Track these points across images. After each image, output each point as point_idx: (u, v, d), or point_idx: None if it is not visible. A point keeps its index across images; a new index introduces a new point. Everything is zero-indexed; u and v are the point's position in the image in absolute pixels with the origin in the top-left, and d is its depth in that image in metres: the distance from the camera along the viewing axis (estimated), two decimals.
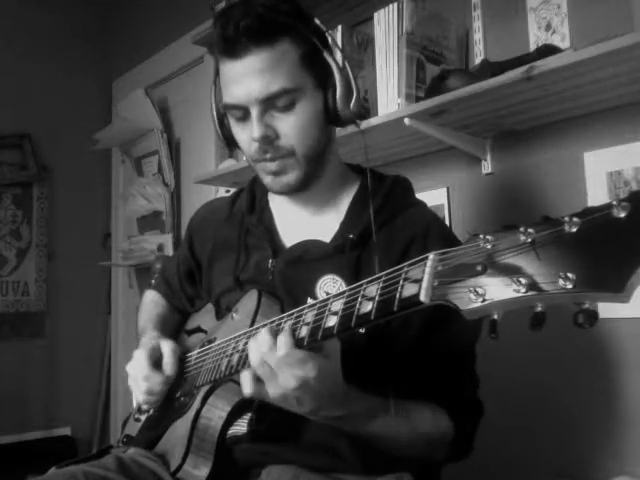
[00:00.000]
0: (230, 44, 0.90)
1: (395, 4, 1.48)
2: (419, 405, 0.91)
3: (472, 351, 1.00)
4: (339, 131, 1.12)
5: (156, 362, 1.04)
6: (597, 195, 1.34)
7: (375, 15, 1.52)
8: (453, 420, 0.93)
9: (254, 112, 0.92)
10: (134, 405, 1.19)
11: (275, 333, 0.79)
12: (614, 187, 1.32)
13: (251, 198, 1.12)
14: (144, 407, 1.09)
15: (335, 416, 0.82)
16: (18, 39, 2.89)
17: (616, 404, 1.32)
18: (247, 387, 0.80)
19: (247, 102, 0.92)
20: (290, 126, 0.93)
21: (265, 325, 0.86)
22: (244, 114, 0.94)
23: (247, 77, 0.90)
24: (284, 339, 0.77)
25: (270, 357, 0.77)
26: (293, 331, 0.78)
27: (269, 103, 0.91)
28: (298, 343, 0.77)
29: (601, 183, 1.34)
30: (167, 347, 1.05)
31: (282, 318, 0.83)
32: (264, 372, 0.78)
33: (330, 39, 0.99)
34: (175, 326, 1.23)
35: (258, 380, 0.79)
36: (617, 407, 1.32)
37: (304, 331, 0.77)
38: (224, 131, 1.04)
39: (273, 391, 0.78)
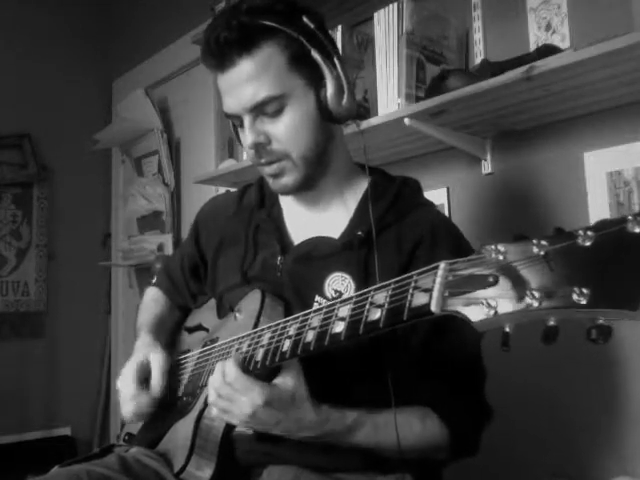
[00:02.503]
0: (215, 58, 0.92)
1: (395, 4, 1.48)
2: (405, 413, 0.90)
3: (476, 352, 0.99)
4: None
5: (145, 378, 1.04)
6: (597, 195, 1.34)
7: (375, 15, 1.52)
8: (450, 424, 0.93)
9: (245, 120, 0.94)
10: None
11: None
12: (614, 187, 1.32)
13: (261, 193, 1.12)
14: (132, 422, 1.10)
15: (309, 437, 0.85)
16: (18, 39, 2.89)
17: (616, 404, 1.32)
18: (214, 411, 0.87)
19: (238, 111, 0.94)
20: (281, 131, 0.94)
21: (270, 327, 0.86)
22: (240, 122, 0.96)
23: (235, 88, 0.92)
24: (230, 365, 0.83)
25: (222, 389, 0.83)
26: (244, 359, 0.85)
27: (258, 110, 0.93)
28: (305, 347, 0.77)
29: (601, 183, 1.34)
30: (156, 364, 1.04)
31: (287, 321, 0.83)
32: (222, 406, 0.84)
33: (320, 35, 0.95)
34: (174, 325, 1.23)
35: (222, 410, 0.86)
36: (617, 407, 1.32)
37: (310, 335, 0.77)
38: (238, 135, 1.05)
39: (237, 419, 0.84)
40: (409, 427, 0.90)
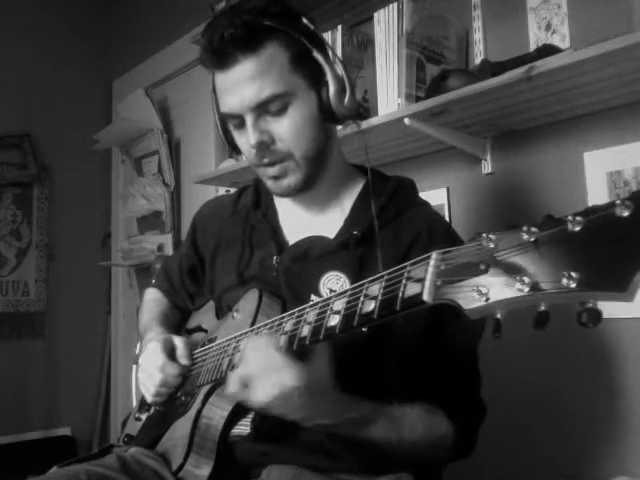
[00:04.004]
0: (217, 56, 0.91)
1: (395, 4, 1.48)
2: (417, 409, 0.90)
3: (474, 351, 1.00)
4: (339, 131, 1.12)
5: (170, 354, 1.04)
6: (597, 195, 1.34)
7: (375, 15, 1.52)
8: (453, 421, 0.93)
9: (248, 119, 0.93)
10: (134, 404, 1.19)
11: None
12: (614, 187, 1.32)
13: (256, 195, 1.13)
14: (155, 400, 1.06)
15: (326, 424, 0.82)
16: (18, 39, 2.89)
17: (616, 404, 1.32)
18: (232, 386, 0.81)
19: (240, 110, 0.93)
20: (285, 129, 0.93)
21: (266, 325, 0.86)
22: (240, 121, 0.95)
23: (237, 86, 0.91)
24: (267, 339, 0.80)
25: (255, 361, 0.79)
26: (290, 335, 0.80)
27: (262, 109, 0.92)
28: (300, 342, 0.77)
29: (601, 183, 1.34)
30: (179, 340, 1.06)
31: (283, 317, 0.83)
32: (249, 376, 0.79)
33: (320, 36, 0.98)
34: (176, 324, 1.24)
35: (245, 385, 0.80)
36: (617, 407, 1.32)
37: (306, 330, 0.77)
38: (228, 138, 1.04)
39: (257, 398, 0.79)
40: (421, 422, 0.90)
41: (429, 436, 0.91)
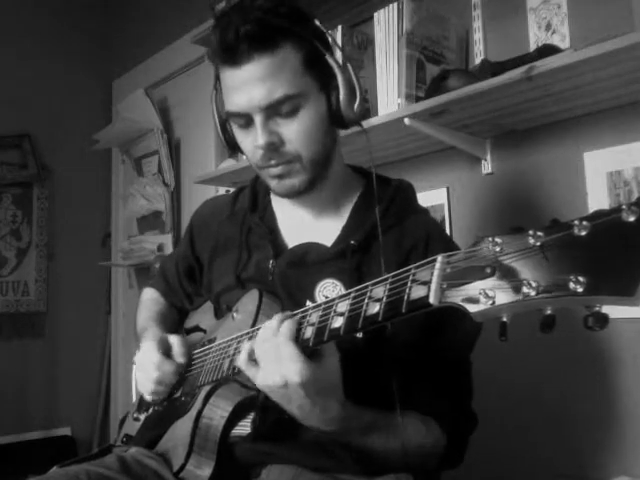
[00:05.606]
0: (230, 52, 0.88)
1: (395, 4, 1.48)
2: (412, 417, 0.90)
3: (467, 360, 1.00)
4: (340, 131, 1.11)
5: (165, 353, 1.03)
6: (597, 195, 1.34)
7: (375, 15, 1.52)
8: (445, 430, 0.93)
9: (258, 120, 0.91)
10: (134, 401, 1.19)
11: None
12: (614, 187, 1.32)
13: (253, 196, 1.12)
14: (151, 398, 1.06)
15: (326, 431, 0.82)
16: (18, 39, 2.89)
17: (616, 404, 1.32)
18: (241, 360, 0.81)
19: (250, 110, 0.90)
20: (295, 132, 0.92)
21: None
22: (247, 121, 0.93)
23: (249, 85, 0.89)
24: (286, 325, 0.78)
25: (270, 343, 0.78)
26: (299, 327, 0.78)
27: (272, 110, 0.90)
28: (303, 344, 0.77)
29: (601, 183, 1.34)
30: (176, 338, 1.05)
31: None
32: (261, 354, 0.78)
33: (331, 40, 0.97)
34: (174, 324, 1.23)
35: (255, 362, 0.80)
36: (617, 407, 1.32)
37: (309, 331, 0.76)
38: (227, 137, 1.02)
39: (262, 379, 0.78)
40: (416, 433, 0.90)
41: (423, 445, 0.91)
